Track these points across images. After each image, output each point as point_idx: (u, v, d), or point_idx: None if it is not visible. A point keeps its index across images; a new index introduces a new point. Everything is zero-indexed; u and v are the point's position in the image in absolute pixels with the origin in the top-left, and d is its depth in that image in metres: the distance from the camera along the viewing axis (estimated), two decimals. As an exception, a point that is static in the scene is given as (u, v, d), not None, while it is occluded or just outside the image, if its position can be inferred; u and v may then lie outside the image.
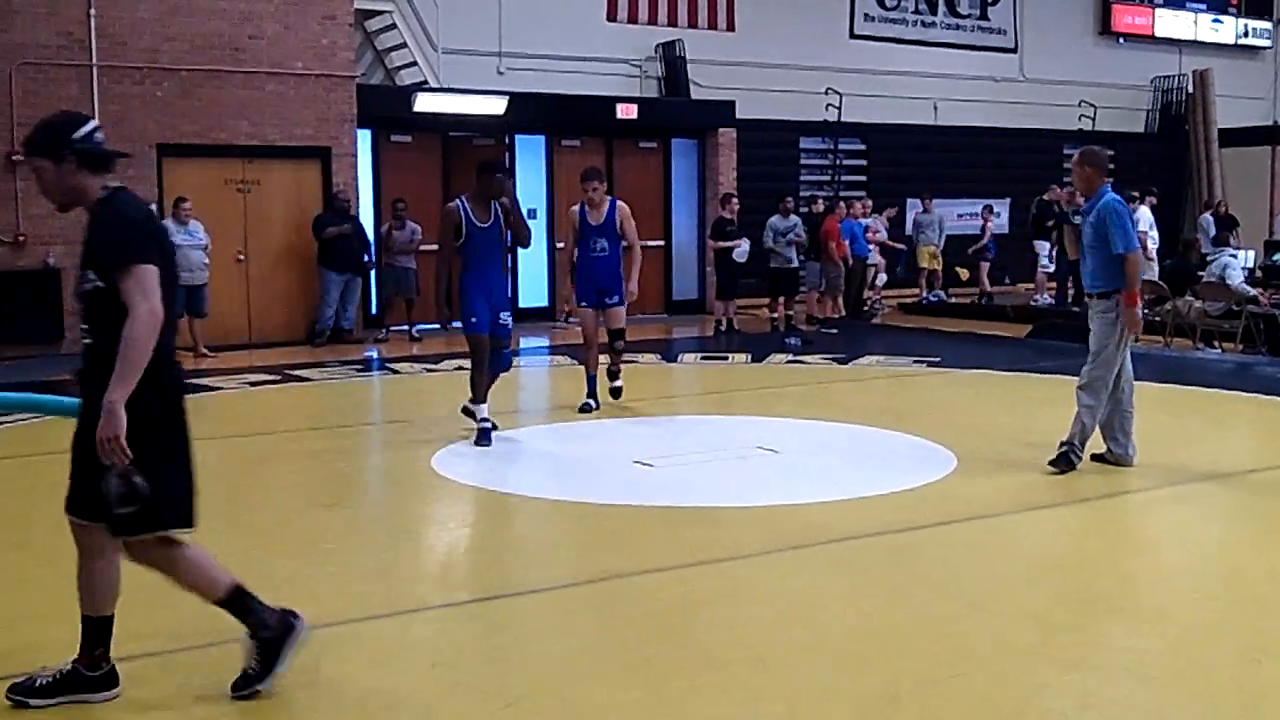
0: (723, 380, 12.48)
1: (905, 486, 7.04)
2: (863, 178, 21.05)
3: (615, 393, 9.91)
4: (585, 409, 9.58)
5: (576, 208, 9.84)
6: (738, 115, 19.06)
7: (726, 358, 13.83)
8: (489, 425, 8.32)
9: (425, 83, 17.12)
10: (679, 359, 14.22)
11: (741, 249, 16.00)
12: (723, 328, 16.37)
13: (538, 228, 18.14)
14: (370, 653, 4.49)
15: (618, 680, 4.19)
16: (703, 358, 14.20)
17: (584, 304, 9.76)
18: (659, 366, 13.53)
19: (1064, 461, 7.31)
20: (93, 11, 14.31)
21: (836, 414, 9.52)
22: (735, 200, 16.58)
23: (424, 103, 16.66)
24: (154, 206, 14.72)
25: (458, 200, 8.44)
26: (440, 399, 11.20)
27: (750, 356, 13.63)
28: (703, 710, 3.95)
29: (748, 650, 4.52)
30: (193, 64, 14.81)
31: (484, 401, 8.37)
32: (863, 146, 21.19)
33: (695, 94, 19.53)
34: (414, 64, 17.38)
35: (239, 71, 14.91)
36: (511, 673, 4.32)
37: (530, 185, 18.12)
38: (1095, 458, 7.45)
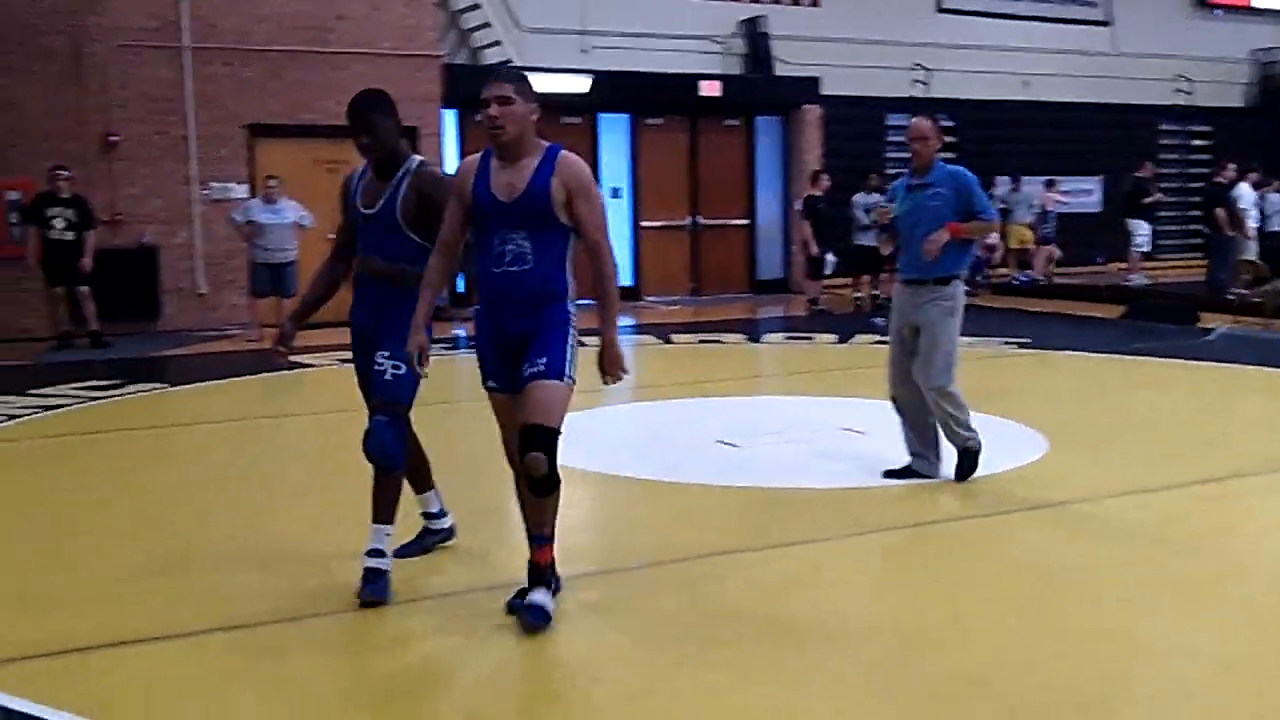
0: (808, 360, 12.39)
1: (994, 470, 6.94)
2: (951, 155, 20.74)
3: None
4: None
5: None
6: (823, 91, 18.88)
7: (811, 338, 13.74)
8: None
9: (509, 62, 17.17)
10: (763, 339, 14.15)
11: (830, 261, 16.02)
12: (817, 306, 16.25)
13: (621, 206, 18.20)
14: (458, 625, 4.52)
15: (699, 660, 4.18)
16: (787, 337, 14.11)
17: None
18: (743, 346, 13.48)
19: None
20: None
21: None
22: (825, 177, 16.44)
23: (508, 82, 16.67)
24: (246, 186, 15.06)
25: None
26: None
27: (836, 337, 13.52)
28: (782, 692, 3.93)
29: (829, 633, 4.49)
30: (281, 45, 15.00)
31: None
32: (951, 123, 20.82)
33: (779, 70, 19.38)
34: (498, 43, 17.44)
35: (325, 52, 15.08)
36: (594, 650, 4.33)
37: (614, 164, 18.13)
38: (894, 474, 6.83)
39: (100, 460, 7.96)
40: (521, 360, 4.40)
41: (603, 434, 8.34)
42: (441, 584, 5.11)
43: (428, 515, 5.48)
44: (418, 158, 5.00)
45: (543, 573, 4.59)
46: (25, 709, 3.79)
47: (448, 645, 4.36)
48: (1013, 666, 4.11)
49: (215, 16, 14.83)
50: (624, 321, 15.83)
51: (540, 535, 4.63)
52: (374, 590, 4.75)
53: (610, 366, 4.48)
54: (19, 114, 14.03)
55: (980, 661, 4.16)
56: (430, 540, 5.48)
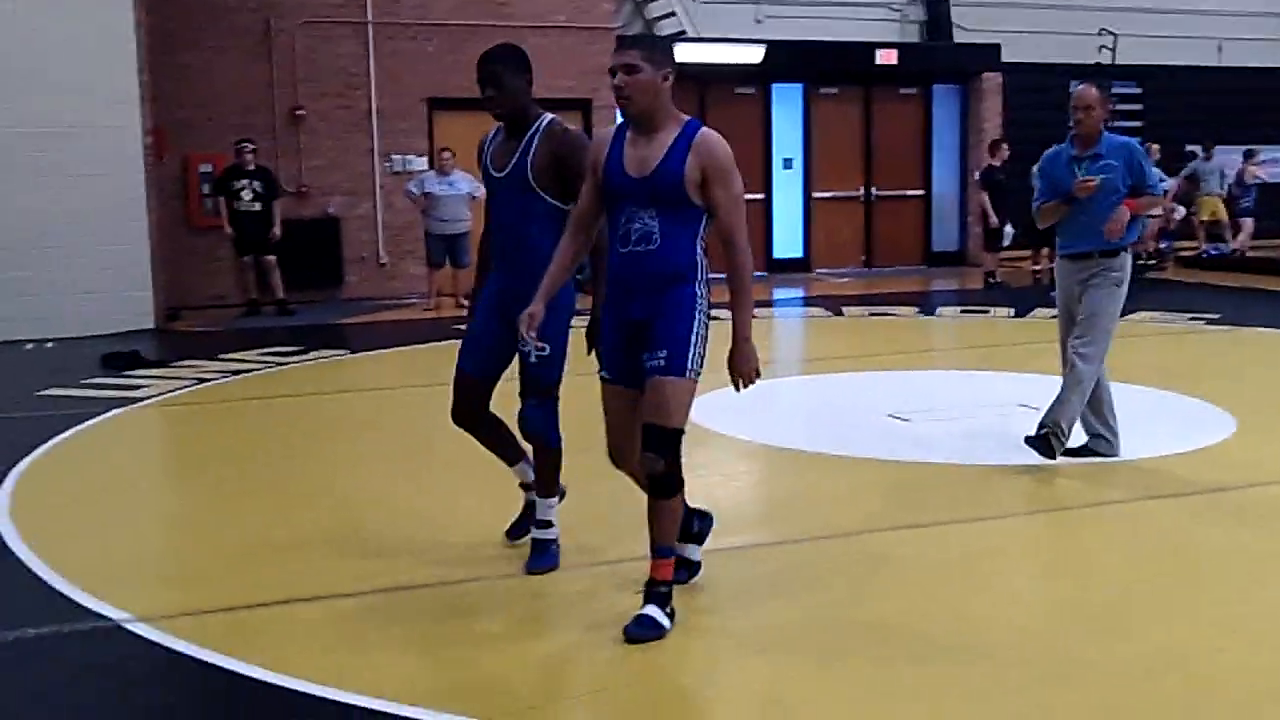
0: (983, 334, 12.12)
1: (1179, 449, 6.68)
2: (1138, 124, 19.87)
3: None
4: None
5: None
6: (1003, 59, 18.35)
7: (988, 311, 13.42)
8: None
9: (683, 33, 17.15)
10: (937, 312, 13.88)
11: (1008, 233, 15.62)
12: (994, 279, 15.87)
13: (794, 177, 18.05)
14: (629, 595, 4.56)
15: (871, 638, 4.14)
16: (962, 310, 13.82)
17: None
18: (916, 319, 13.25)
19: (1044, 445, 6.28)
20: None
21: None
22: (1005, 147, 16.01)
23: (681, 53, 16.62)
24: (425, 159, 15.39)
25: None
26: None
27: (1013, 310, 13.18)
28: (956, 670, 3.86)
29: (1004, 612, 4.39)
30: (460, 20, 15.27)
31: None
32: (1138, 90, 20.01)
33: (958, 37, 18.90)
34: (672, 14, 17.44)
35: (502, 26, 15.27)
36: (764, 622, 4.32)
37: (786, 134, 17.97)
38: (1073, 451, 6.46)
39: (283, 423, 8.27)
40: (642, 349, 4.11)
41: (771, 407, 8.29)
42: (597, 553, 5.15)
43: (526, 486, 5.14)
44: (550, 115, 4.79)
45: (657, 587, 4.16)
46: (211, 659, 3.97)
47: (604, 614, 4.39)
48: (1197, 654, 3.96)
49: (399, -9, 15.19)
50: (793, 293, 15.76)
51: (660, 546, 4.19)
52: (541, 560, 4.77)
53: (741, 367, 4.10)
54: (211, 90, 14.60)
55: (1162, 646, 4.02)
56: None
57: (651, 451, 4.05)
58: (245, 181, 13.70)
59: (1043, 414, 6.30)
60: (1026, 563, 5.09)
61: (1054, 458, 6.22)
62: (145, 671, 4.03)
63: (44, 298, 12.09)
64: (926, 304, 14.51)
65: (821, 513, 5.76)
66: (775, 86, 18.01)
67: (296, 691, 3.72)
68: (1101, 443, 6.50)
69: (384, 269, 15.55)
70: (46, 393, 9.02)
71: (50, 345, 11.60)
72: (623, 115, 4.12)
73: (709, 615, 4.37)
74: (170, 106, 13.99)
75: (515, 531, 5.15)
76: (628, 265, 4.12)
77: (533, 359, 4.66)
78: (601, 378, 4.29)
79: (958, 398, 8.37)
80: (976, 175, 17.00)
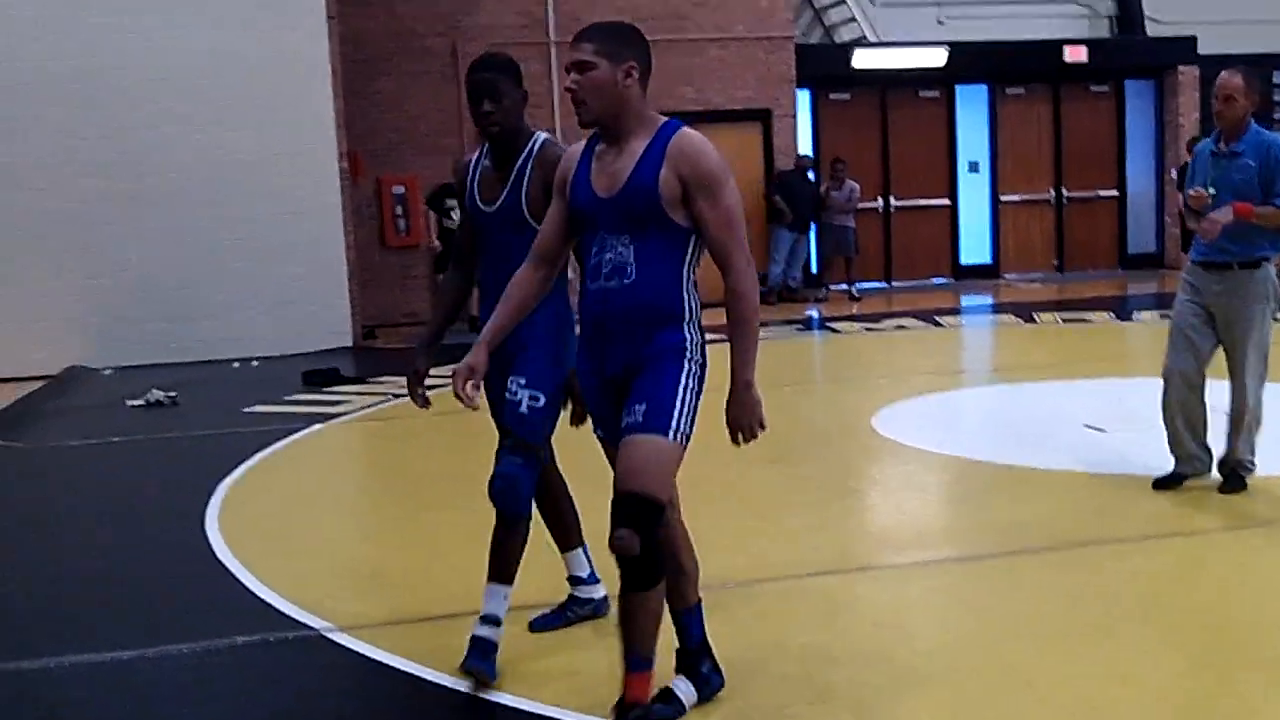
0: (1183, 339, 11.65)
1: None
2: (1348, 116, 18.91)
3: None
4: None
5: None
6: (1200, 51, 17.60)
7: (1188, 315, 12.87)
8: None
9: (863, 38, 16.98)
10: (1134, 317, 13.39)
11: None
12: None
13: (980, 181, 17.66)
14: (814, 608, 4.53)
15: (1069, 651, 4.00)
16: (1161, 315, 13.28)
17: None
18: (1112, 325, 12.81)
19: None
20: (548, -10, 15.22)
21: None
22: (1201, 144, 15.38)
23: (862, 58, 16.53)
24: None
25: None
26: (879, 359, 11.16)
27: (1215, 313, 12.62)
28: (1159, 686, 3.71)
29: (1207, 627, 4.23)
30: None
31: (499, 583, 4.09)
32: (1348, 80, 18.99)
33: (1151, 31, 18.21)
34: (852, 20, 17.28)
35: (683, 39, 15.38)
36: (955, 636, 4.23)
37: (972, 137, 17.61)
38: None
39: (477, 438, 8.45)
40: (623, 403, 3.37)
41: (960, 416, 8.14)
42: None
43: (574, 580, 4.45)
44: (543, 135, 4.06)
45: (629, 712, 3.36)
46: (409, 669, 4.08)
47: (809, 634, 4.35)
48: None
49: (580, 11, 15.39)
50: (982, 300, 15.41)
51: (635, 656, 3.37)
52: (479, 666, 3.84)
53: (740, 419, 3.34)
54: (403, 113, 15.08)
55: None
56: (576, 611, 4.43)
57: (622, 527, 3.25)
58: (454, 201, 14.10)
59: (1220, 456, 5.90)
60: (1230, 579, 4.85)
61: (1245, 486, 5.83)
62: (345, 680, 4.18)
63: (248, 317, 12.65)
64: (1122, 309, 14.02)
65: (1011, 525, 5.60)
66: (960, 88, 17.65)
67: (493, 702, 3.80)
68: (1196, 463, 5.97)
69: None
70: (252, 409, 9.44)
71: (255, 364, 12.14)
72: (581, 123, 3.41)
73: (892, 630, 4.30)
74: (364, 131, 14.50)
75: (541, 622, 4.39)
76: (599, 304, 3.37)
77: (523, 409, 3.91)
78: (598, 436, 3.59)
79: (1157, 407, 8.03)
80: (1173, 174, 16.36)
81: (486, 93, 3.95)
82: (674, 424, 3.28)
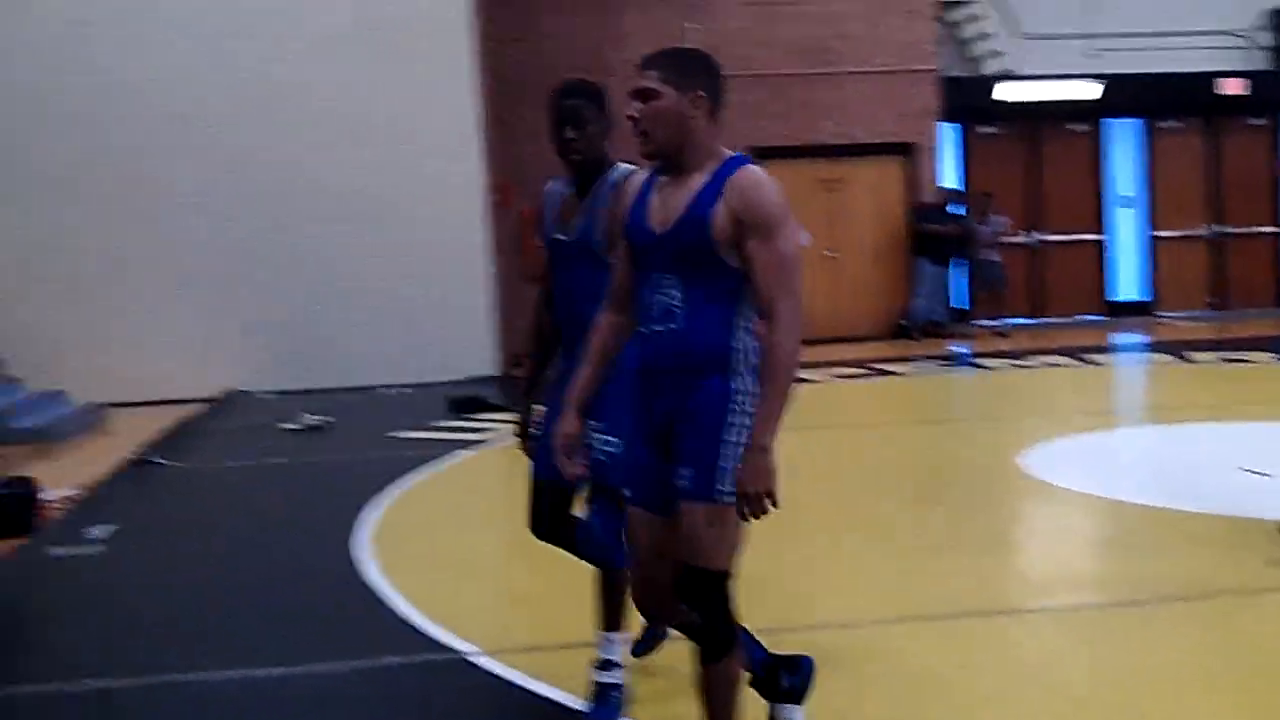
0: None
1: None
2: None
3: None
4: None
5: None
6: (1367, 82, 16.97)
7: (1354, 356, 12.35)
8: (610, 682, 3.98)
9: (1010, 71, 16.73)
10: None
11: None
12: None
13: (1132, 216, 17.23)
14: (961, 650, 4.46)
15: (1221, 702, 3.87)
16: (1324, 356, 12.77)
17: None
18: (1273, 366, 12.34)
19: None
20: (688, 25, 15.29)
21: None
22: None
23: (1007, 91, 16.31)
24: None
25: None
26: (1027, 396, 10.94)
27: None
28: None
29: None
30: (782, 68, 15.44)
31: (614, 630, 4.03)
32: None
33: (1315, 62, 17.60)
34: (999, 53, 17.05)
35: (825, 73, 15.35)
36: (1104, 683, 4.11)
37: (1124, 172, 17.23)
38: None
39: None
40: (671, 464, 3.11)
41: (1113, 458, 7.93)
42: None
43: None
44: (623, 165, 3.86)
45: None
46: (549, 694, 4.13)
47: (957, 675, 4.28)
48: None
49: (721, 44, 15.46)
50: (1134, 338, 14.98)
51: None
52: (601, 711, 3.84)
53: (749, 485, 2.97)
54: (545, 146, 15.26)
55: None
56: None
57: (686, 602, 3.10)
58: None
59: None
60: None
61: None
62: (487, 704, 4.23)
63: (398, 344, 12.95)
64: (1283, 348, 13.51)
65: (1165, 571, 5.43)
66: (1110, 122, 17.28)
67: (630, 730, 3.82)
68: None
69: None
70: (400, 434, 9.65)
71: (404, 391, 12.41)
72: (641, 154, 3.19)
73: (1041, 673, 4.20)
74: (508, 161, 14.76)
75: (641, 646, 4.27)
76: (649, 349, 3.15)
77: (599, 455, 3.66)
78: (624, 497, 3.31)
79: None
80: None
81: (570, 119, 3.87)
82: (720, 484, 3.01)
